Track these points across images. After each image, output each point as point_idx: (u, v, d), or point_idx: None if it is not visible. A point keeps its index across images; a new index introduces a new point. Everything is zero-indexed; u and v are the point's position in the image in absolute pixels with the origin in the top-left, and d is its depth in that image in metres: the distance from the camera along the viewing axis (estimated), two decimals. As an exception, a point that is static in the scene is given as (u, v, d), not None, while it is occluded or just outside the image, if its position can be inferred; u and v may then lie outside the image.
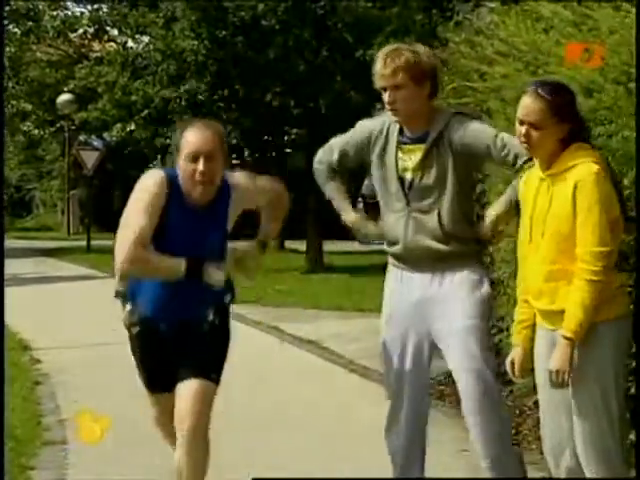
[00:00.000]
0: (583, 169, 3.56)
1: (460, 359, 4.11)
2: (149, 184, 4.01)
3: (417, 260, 4.18)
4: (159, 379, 4.26)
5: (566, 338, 3.54)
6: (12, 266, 14.43)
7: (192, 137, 3.99)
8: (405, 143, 4.18)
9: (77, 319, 11.35)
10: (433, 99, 4.19)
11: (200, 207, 4.04)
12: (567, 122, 3.60)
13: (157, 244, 3.96)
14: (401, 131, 4.20)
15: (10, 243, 20.69)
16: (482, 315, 4.13)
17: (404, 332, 4.23)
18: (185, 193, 4.01)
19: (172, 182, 4.01)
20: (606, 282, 3.54)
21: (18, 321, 10.06)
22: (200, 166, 3.94)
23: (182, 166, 3.99)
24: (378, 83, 4.15)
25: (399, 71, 4.05)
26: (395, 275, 4.31)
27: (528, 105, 3.59)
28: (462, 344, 4.09)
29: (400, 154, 4.18)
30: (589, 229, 3.52)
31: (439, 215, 4.12)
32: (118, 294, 4.19)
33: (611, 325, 3.60)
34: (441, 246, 4.13)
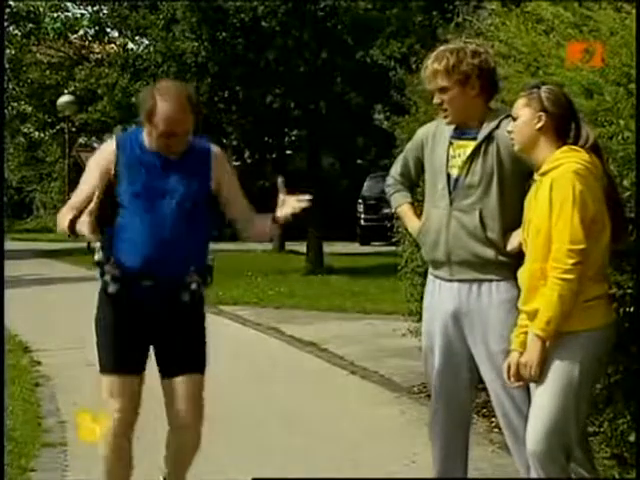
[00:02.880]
0: (562, 168, 3.59)
1: (496, 386, 4.08)
2: (97, 151, 4.19)
3: (456, 264, 4.09)
4: (129, 354, 4.09)
5: (534, 334, 3.58)
6: (12, 268, 14.41)
7: (166, 111, 3.92)
8: (457, 138, 4.11)
9: (77, 321, 11.30)
10: (487, 97, 4.09)
11: (168, 158, 4.04)
12: (542, 112, 3.66)
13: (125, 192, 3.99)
14: (456, 128, 4.13)
15: (10, 245, 20.70)
16: None
17: (444, 343, 4.18)
18: (157, 148, 4.04)
19: (125, 140, 4.12)
20: (579, 282, 3.53)
21: (18, 323, 10.06)
22: (172, 144, 3.99)
23: (152, 133, 3.98)
24: (427, 86, 4.18)
25: (439, 74, 4.03)
26: (433, 284, 4.25)
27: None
28: (498, 370, 4.00)
29: (451, 150, 4.12)
30: (561, 227, 3.54)
31: (481, 215, 4.02)
32: (97, 264, 4.16)
33: (584, 337, 3.61)
34: (481, 249, 4.03)
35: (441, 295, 4.19)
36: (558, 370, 3.61)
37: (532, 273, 3.64)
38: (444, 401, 4.24)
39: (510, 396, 4.05)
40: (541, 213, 3.60)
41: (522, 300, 3.73)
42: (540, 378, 3.64)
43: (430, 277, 4.30)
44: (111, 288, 4.10)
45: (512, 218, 3.98)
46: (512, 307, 3.97)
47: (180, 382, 4.08)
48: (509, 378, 3.80)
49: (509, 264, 4.00)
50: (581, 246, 3.51)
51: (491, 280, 4.06)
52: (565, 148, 3.65)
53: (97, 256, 4.15)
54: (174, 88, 4.05)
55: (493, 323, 4.04)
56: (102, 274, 4.12)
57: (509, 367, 3.78)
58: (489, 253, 4.03)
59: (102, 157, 4.10)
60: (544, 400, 3.63)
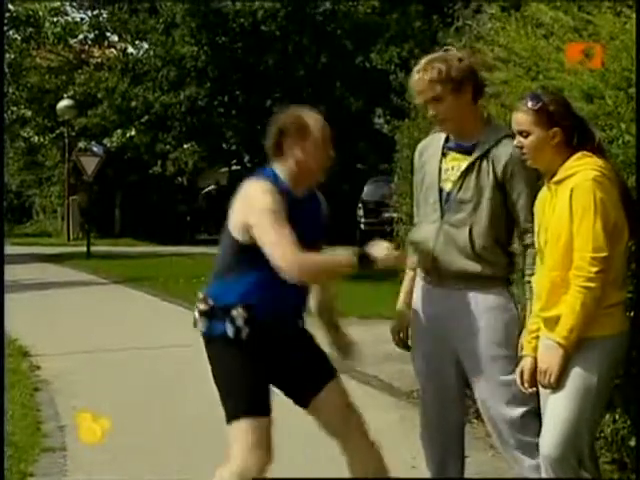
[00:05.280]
0: (580, 176, 3.60)
1: (483, 393, 4.07)
2: (266, 196, 3.82)
3: (442, 275, 4.08)
4: (264, 396, 3.97)
5: (556, 342, 3.57)
6: (12, 272, 14.41)
7: (318, 121, 3.93)
8: (452, 149, 4.09)
9: (77, 325, 11.33)
10: (478, 100, 4.07)
11: (301, 199, 3.96)
12: (555, 126, 3.67)
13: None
14: (447, 139, 4.11)
15: (10, 249, 20.69)
16: (507, 342, 3.99)
17: (429, 346, 4.18)
18: (294, 184, 3.92)
19: (278, 185, 3.88)
20: (601, 289, 3.54)
21: (17, 327, 10.04)
22: (331, 151, 3.94)
23: (311, 152, 3.88)
24: (417, 99, 4.10)
25: (434, 83, 3.96)
26: (420, 288, 4.25)
27: (515, 116, 3.77)
28: (486, 376, 4.02)
29: (444, 163, 4.09)
30: (583, 235, 3.54)
31: (470, 231, 4.00)
32: (201, 313, 3.93)
33: (604, 343, 3.61)
34: (469, 264, 4.01)
35: (429, 299, 4.19)
36: (576, 376, 3.60)
37: (552, 281, 3.64)
38: (434, 406, 4.23)
39: (496, 402, 4.04)
40: (560, 221, 3.60)
41: (540, 307, 3.72)
42: (557, 383, 3.63)
43: (419, 279, 4.29)
44: (244, 332, 3.87)
45: (500, 232, 4.01)
46: (499, 313, 4.00)
47: (330, 390, 4.07)
48: (523, 384, 3.80)
49: (496, 277, 4.02)
50: (604, 254, 3.52)
51: (477, 291, 4.06)
52: (579, 155, 3.65)
53: (205, 305, 3.94)
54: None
55: (481, 329, 4.02)
56: (229, 320, 3.88)
57: (522, 373, 3.78)
58: (476, 268, 4.02)
59: (279, 201, 3.82)
60: (561, 406, 3.63)
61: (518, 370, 3.82)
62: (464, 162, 4.04)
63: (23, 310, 11.41)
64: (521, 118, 3.72)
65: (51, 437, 6.17)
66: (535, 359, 3.74)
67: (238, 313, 3.86)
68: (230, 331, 3.86)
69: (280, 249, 3.74)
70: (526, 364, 3.78)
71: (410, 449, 5.60)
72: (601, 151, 3.72)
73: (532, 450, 3.90)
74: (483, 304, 4.04)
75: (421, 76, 4.00)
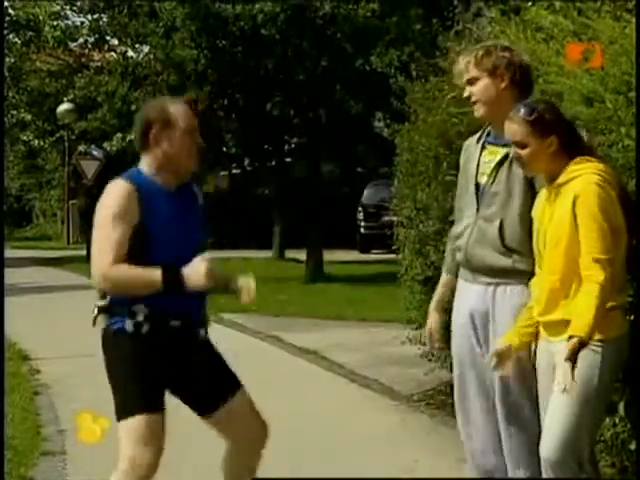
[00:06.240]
0: (582, 180, 3.61)
1: (500, 394, 4.08)
2: (115, 198, 3.92)
3: (476, 271, 4.12)
4: (160, 392, 3.94)
5: (572, 337, 3.54)
6: (12, 276, 14.42)
7: (184, 111, 3.93)
8: (490, 143, 4.14)
9: (76, 329, 11.29)
10: (518, 95, 4.04)
11: (173, 191, 3.95)
12: (551, 135, 3.67)
13: (148, 246, 3.84)
14: (489, 133, 4.17)
15: (10, 252, 20.70)
16: None
17: (463, 341, 4.21)
18: (163, 176, 3.91)
19: (139, 183, 3.89)
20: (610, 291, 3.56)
21: (17, 331, 10.05)
22: (199, 139, 3.94)
23: (178, 141, 3.90)
24: (458, 81, 4.28)
25: (469, 65, 4.12)
26: (459, 285, 4.29)
27: (508, 127, 3.76)
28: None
29: (483, 156, 4.14)
30: (591, 238, 3.56)
31: (501, 225, 4.03)
32: (101, 309, 3.99)
33: (603, 346, 3.62)
34: (499, 259, 4.04)
35: (465, 295, 4.22)
36: (577, 380, 3.58)
37: (552, 285, 3.66)
38: (476, 402, 4.20)
39: (508, 396, 4.04)
40: (561, 225, 3.61)
41: (539, 311, 3.74)
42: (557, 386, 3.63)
43: (460, 276, 4.33)
44: (144, 328, 3.89)
45: (531, 221, 3.99)
46: (520, 312, 3.99)
47: (237, 402, 4.02)
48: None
49: (525, 271, 4.00)
50: (611, 255, 3.55)
51: (507, 284, 4.07)
52: (579, 159, 3.67)
53: (104, 301, 3.97)
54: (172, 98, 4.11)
55: (501, 325, 4.04)
56: (129, 315, 3.91)
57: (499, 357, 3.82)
58: (506, 262, 4.04)
59: (126, 205, 3.88)
60: (561, 409, 3.63)
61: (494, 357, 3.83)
62: (499, 155, 4.07)
63: (23, 313, 11.41)
64: (516, 129, 3.72)
65: (51, 441, 6.17)
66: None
67: (139, 309, 3.87)
68: (129, 326, 3.88)
69: (99, 256, 3.87)
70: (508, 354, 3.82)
71: (410, 452, 5.61)
72: (593, 154, 3.74)
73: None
74: (509, 301, 4.05)
75: (462, 59, 4.19)
